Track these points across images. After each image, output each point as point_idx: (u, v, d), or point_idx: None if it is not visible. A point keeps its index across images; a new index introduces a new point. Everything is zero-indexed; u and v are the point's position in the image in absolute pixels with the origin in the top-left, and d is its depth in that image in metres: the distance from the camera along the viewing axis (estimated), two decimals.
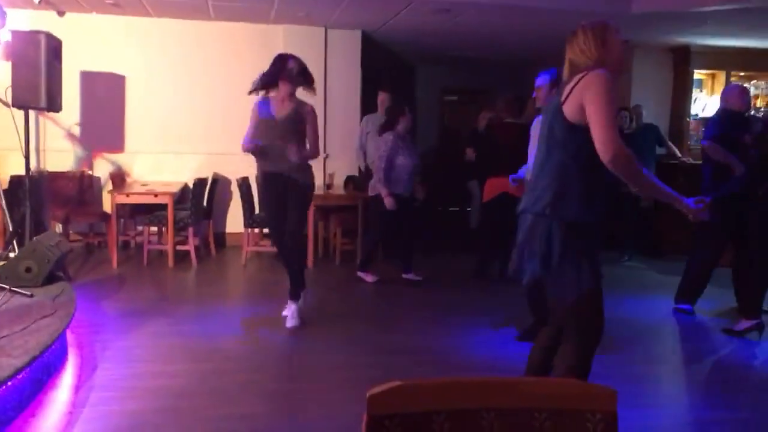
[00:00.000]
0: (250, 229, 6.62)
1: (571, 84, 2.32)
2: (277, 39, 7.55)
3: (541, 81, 4.01)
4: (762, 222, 4.63)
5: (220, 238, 7.49)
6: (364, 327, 4.59)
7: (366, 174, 6.74)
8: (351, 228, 6.81)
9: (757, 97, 8.72)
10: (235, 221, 7.41)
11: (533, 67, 10.81)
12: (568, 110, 2.30)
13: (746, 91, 5.00)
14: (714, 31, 7.37)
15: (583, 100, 2.24)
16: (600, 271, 2.41)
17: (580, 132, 2.28)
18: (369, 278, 5.90)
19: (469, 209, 8.95)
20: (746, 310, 4.61)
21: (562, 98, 2.33)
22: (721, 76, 8.50)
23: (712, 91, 8.56)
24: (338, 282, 6.06)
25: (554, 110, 2.37)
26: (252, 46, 7.52)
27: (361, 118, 7.30)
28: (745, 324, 4.56)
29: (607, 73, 2.27)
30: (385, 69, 8.92)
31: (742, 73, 8.66)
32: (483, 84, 10.67)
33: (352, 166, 7.50)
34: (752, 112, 6.92)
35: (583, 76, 2.29)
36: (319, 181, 7.45)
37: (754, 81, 8.79)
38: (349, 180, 7.39)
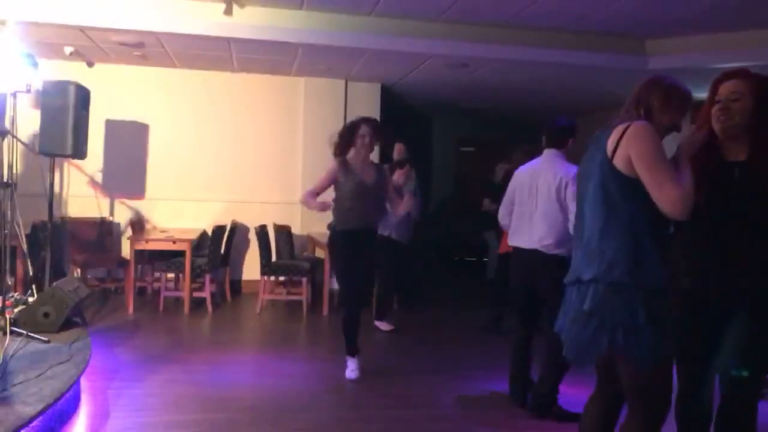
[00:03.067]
0: (266, 277, 6.62)
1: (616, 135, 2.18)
2: (298, 90, 7.73)
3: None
4: None
5: (237, 285, 7.51)
6: (374, 378, 4.52)
7: None
8: None
9: None
10: (251, 269, 7.43)
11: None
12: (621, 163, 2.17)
13: None
14: None
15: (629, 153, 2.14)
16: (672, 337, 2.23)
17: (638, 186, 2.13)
18: (384, 327, 5.88)
19: (485, 259, 8.91)
20: None
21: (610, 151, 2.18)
22: None
23: None
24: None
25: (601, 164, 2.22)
26: (274, 97, 7.71)
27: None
28: None
29: (647, 124, 2.17)
30: (403, 119, 9.05)
31: None
32: (499, 135, 10.76)
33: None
34: None
35: (627, 127, 2.17)
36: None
37: None
38: None
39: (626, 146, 2.12)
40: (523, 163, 6.07)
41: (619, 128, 2.18)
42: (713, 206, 2.29)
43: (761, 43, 5.97)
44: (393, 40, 6.04)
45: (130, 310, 6.24)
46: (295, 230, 7.45)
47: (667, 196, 2.05)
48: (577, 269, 2.27)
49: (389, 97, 8.12)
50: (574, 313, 2.23)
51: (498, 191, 7.15)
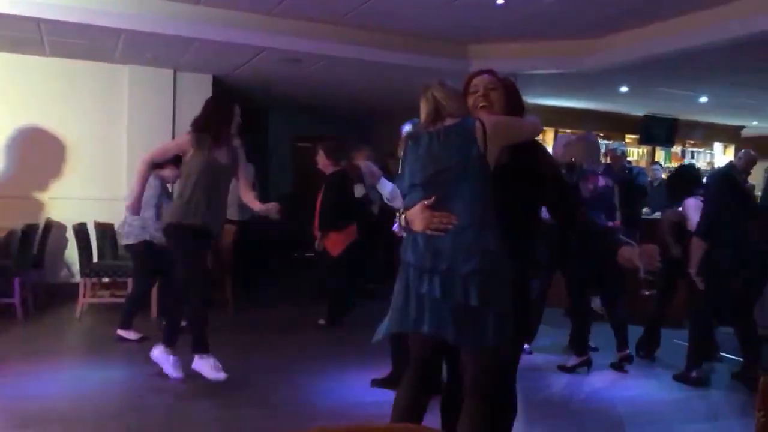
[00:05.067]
0: (86, 279, 6.15)
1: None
2: (122, 79, 7.26)
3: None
4: (572, 267, 5.03)
5: (53, 289, 6.87)
6: (204, 381, 4.37)
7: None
8: None
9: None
10: (70, 271, 6.85)
11: (384, 119, 11.22)
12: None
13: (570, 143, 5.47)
14: (544, 91, 8.15)
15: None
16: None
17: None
18: (132, 336, 5.32)
19: (313, 254, 8.95)
20: (575, 348, 5.01)
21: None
22: (551, 133, 9.38)
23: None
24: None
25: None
26: (93, 85, 7.17)
27: None
28: (574, 360, 4.94)
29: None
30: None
31: (568, 130, 9.61)
32: (336, 132, 10.90)
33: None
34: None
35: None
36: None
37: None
38: None
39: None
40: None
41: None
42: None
43: (569, 52, 6.63)
44: (223, 31, 5.89)
45: None
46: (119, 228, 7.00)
47: None
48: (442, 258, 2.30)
49: (222, 89, 7.88)
50: (457, 312, 2.26)
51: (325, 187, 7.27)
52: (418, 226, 2.32)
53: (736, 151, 9.99)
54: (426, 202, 2.32)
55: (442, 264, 2.26)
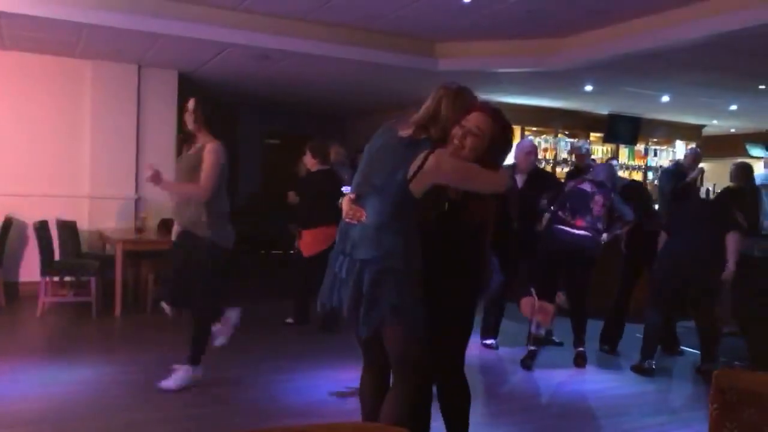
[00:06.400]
0: (47, 278, 6.02)
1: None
2: (84, 74, 7.12)
3: None
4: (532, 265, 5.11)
5: (13, 288, 6.71)
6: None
7: None
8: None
9: (546, 150, 9.83)
10: (30, 269, 6.70)
11: (356, 115, 11.22)
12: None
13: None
14: (510, 90, 8.23)
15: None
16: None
17: None
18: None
19: (291, 252, 8.91)
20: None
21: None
22: (517, 130, 9.47)
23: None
24: (150, 331, 5.70)
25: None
26: (55, 79, 7.02)
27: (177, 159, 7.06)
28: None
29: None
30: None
31: (534, 128, 9.73)
32: (306, 130, 10.86)
33: (167, 209, 7.15)
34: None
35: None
36: (130, 224, 7.09)
37: (544, 135, 9.91)
38: (163, 223, 7.05)
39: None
40: (337, 160, 6.31)
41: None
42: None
43: (535, 51, 6.70)
44: (189, 26, 5.80)
45: None
46: (82, 226, 6.87)
47: None
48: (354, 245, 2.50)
49: (188, 85, 7.78)
50: (351, 291, 2.47)
51: (302, 185, 7.24)
52: (343, 212, 2.58)
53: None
54: (351, 196, 2.57)
55: (349, 248, 2.50)
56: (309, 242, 5.81)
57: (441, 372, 2.73)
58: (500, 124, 2.58)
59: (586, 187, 5.02)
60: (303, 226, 5.93)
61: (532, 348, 5.03)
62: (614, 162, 9.92)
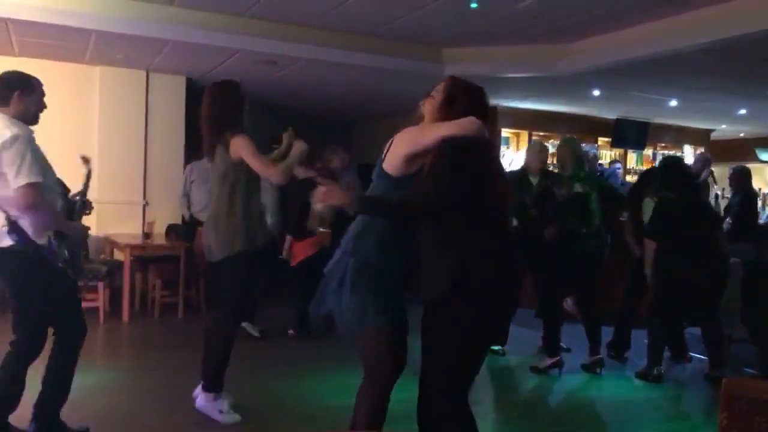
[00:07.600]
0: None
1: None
2: (93, 80, 7.17)
3: None
4: (540, 268, 5.08)
5: None
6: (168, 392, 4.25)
7: (191, 223, 6.50)
8: (172, 279, 6.48)
9: (553, 154, 9.79)
10: None
11: (362, 121, 11.23)
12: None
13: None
14: (517, 95, 8.22)
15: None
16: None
17: None
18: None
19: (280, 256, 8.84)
20: (548, 350, 5.06)
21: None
22: (524, 135, 9.46)
23: (518, 148, 9.49)
24: (158, 336, 5.72)
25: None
26: (64, 86, 7.04)
27: (185, 166, 7.07)
28: (546, 362, 4.99)
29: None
30: None
31: (542, 133, 9.71)
32: (314, 134, 10.83)
33: (175, 215, 7.20)
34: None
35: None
36: (138, 230, 7.11)
37: (551, 140, 9.87)
38: (171, 229, 7.08)
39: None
40: (343, 166, 6.28)
41: None
42: None
43: (542, 56, 6.69)
44: (197, 32, 5.84)
45: None
46: (91, 231, 6.88)
47: None
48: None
49: (196, 91, 7.79)
50: (336, 287, 2.60)
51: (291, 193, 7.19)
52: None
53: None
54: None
55: (344, 244, 2.65)
56: (295, 250, 5.76)
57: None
58: (463, 85, 2.58)
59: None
60: (291, 233, 5.84)
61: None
62: (618, 166, 9.90)
